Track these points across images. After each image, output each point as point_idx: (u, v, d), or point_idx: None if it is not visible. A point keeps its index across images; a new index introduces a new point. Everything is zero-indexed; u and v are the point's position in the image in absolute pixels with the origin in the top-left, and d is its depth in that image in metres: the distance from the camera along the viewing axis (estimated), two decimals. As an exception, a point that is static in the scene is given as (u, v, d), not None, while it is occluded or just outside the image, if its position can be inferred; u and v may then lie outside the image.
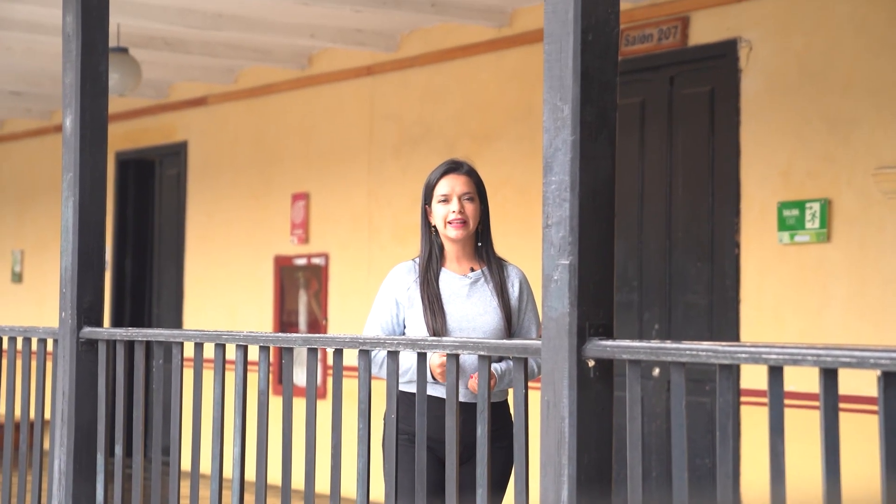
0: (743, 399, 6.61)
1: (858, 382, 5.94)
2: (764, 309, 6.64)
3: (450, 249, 4.38)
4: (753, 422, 6.48)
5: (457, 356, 3.42)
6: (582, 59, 3.01)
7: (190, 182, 10.64)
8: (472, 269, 4.37)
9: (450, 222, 4.32)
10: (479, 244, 4.41)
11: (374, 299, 4.41)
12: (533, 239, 7.54)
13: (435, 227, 4.37)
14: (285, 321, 9.63)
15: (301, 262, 9.48)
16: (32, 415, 5.09)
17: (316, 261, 9.36)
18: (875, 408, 6.05)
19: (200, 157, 10.55)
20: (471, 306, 4.30)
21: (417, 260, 4.39)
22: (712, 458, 6.78)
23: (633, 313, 7.25)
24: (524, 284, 4.41)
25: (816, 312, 6.42)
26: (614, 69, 3.07)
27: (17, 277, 12.78)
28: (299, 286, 9.50)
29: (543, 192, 3.07)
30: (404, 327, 4.34)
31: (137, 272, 11.48)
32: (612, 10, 3.07)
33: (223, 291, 10.26)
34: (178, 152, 10.81)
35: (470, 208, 4.34)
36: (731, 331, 6.76)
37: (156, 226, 11.25)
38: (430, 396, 4.11)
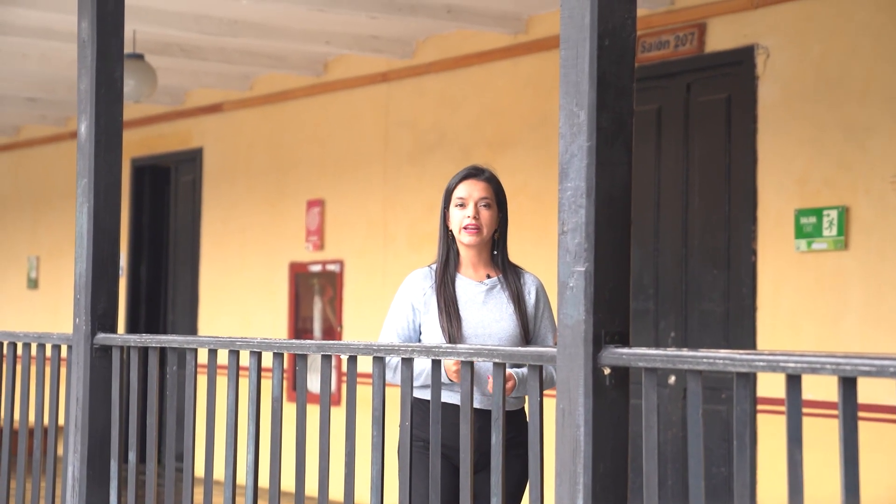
0: (759, 408, 6.58)
1: (876, 391, 5.90)
2: (780, 317, 6.61)
3: (465, 255, 4.36)
4: (770, 431, 6.45)
5: (471, 363, 3.40)
6: (598, 64, 2.99)
7: (205, 188, 10.64)
8: (489, 276, 4.35)
9: (464, 228, 4.31)
10: (495, 252, 4.38)
11: (391, 305, 4.39)
12: (548, 246, 7.52)
13: (452, 231, 4.36)
14: (300, 328, 9.63)
15: (316, 268, 9.47)
16: (46, 421, 5.09)
17: (331, 267, 9.35)
18: (892, 417, 6.01)
19: (216, 163, 10.56)
20: (487, 313, 4.28)
21: (433, 266, 4.37)
22: (728, 467, 6.74)
23: (649, 321, 7.22)
24: (541, 292, 4.38)
25: (834, 320, 6.38)
26: (631, 74, 3.04)
27: (33, 283, 12.81)
28: (314, 293, 9.50)
29: (559, 198, 3.04)
30: (420, 333, 4.33)
31: (153, 278, 11.49)
32: (629, 15, 3.04)
33: (238, 298, 10.26)
34: (193, 159, 10.82)
35: (486, 215, 4.32)
36: (747, 339, 6.72)
37: (171, 232, 11.26)
38: (445, 403, 4.09)
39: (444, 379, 4.14)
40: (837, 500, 2.56)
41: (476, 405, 4.12)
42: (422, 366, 4.19)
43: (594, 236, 2.97)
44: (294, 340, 3.96)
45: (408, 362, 3.56)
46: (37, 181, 12.85)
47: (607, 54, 3.01)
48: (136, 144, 11.21)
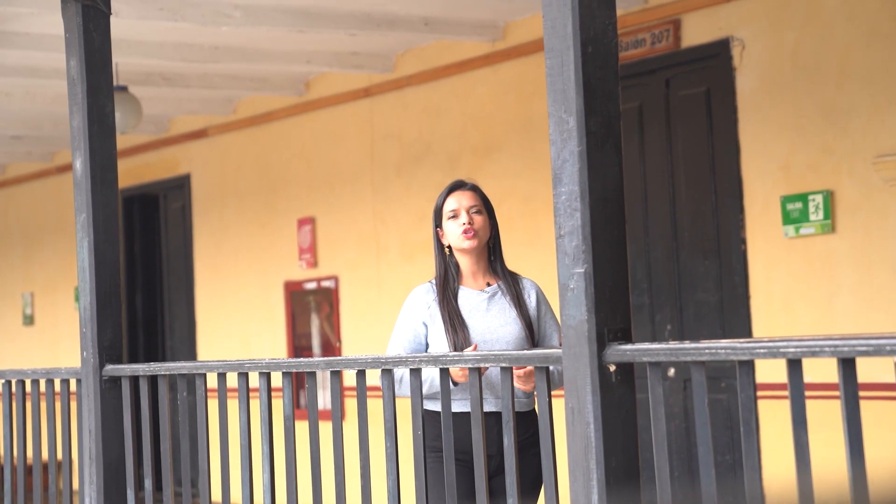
0: (758, 394, 6.65)
1: (875, 370, 5.98)
2: (774, 303, 6.69)
3: (465, 266, 4.46)
4: (770, 416, 6.52)
5: (478, 369, 3.47)
6: (583, 71, 3.07)
7: (195, 214, 10.70)
8: (489, 284, 4.46)
9: (461, 234, 4.42)
10: (493, 259, 4.50)
11: (396, 323, 4.47)
12: (540, 248, 7.60)
13: (449, 247, 4.47)
14: (298, 346, 9.68)
15: (311, 286, 9.54)
16: (60, 455, 5.14)
17: (326, 284, 9.41)
18: (891, 394, 6.10)
19: (204, 188, 10.62)
20: (491, 318, 4.38)
21: (434, 281, 4.48)
22: (732, 454, 6.82)
23: (645, 315, 7.30)
24: (540, 294, 4.51)
25: (827, 303, 6.47)
26: (615, 78, 3.13)
27: (29, 320, 12.84)
28: (311, 310, 9.56)
29: (554, 203, 3.12)
30: (428, 347, 4.41)
31: (149, 307, 11.54)
32: (610, 21, 3.13)
33: (235, 320, 10.31)
34: (181, 185, 10.88)
35: (479, 220, 4.46)
36: (743, 326, 6.80)
37: (164, 260, 11.30)
38: (458, 412, 4.19)
39: (453, 385, 4.22)
40: (842, 478, 2.63)
41: (490, 408, 4.22)
42: (427, 373, 4.27)
43: (591, 238, 3.06)
44: (302, 359, 4.03)
45: (416, 373, 3.64)
46: (26, 218, 12.89)
47: (591, 60, 3.09)
48: (124, 175, 11.23)
